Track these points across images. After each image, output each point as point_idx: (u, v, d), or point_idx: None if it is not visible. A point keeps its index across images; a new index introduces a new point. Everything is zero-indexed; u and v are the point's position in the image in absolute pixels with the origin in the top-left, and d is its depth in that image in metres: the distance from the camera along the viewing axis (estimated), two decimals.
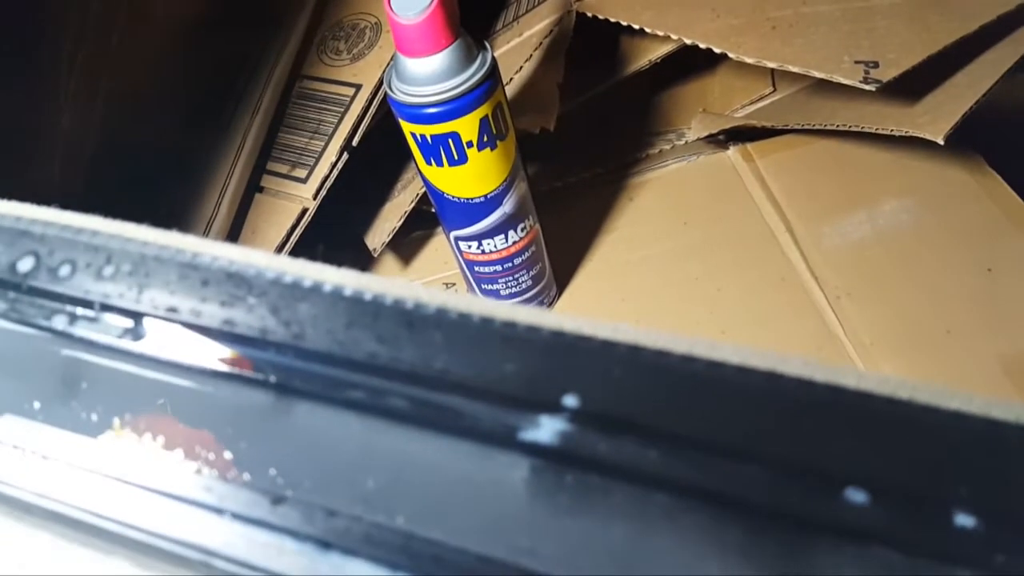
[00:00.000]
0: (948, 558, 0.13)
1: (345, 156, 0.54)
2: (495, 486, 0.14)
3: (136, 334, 0.18)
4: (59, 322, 0.18)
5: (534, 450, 0.15)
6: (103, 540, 0.16)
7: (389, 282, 0.18)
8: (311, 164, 0.54)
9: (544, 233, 0.52)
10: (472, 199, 0.47)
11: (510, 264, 0.51)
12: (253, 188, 0.55)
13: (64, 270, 0.19)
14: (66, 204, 0.23)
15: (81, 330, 0.18)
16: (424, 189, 0.51)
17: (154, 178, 0.51)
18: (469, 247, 0.50)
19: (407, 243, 0.60)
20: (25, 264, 0.19)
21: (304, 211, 0.53)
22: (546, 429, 0.15)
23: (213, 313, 0.17)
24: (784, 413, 0.15)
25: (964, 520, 0.13)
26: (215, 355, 0.17)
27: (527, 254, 0.51)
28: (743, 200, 0.55)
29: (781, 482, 0.14)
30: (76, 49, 0.50)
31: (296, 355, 0.16)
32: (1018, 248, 0.49)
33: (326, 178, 0.53)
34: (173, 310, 0.18)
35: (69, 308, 0.18)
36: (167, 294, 0.18)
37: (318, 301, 0.17)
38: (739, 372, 0.15)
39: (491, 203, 0.47)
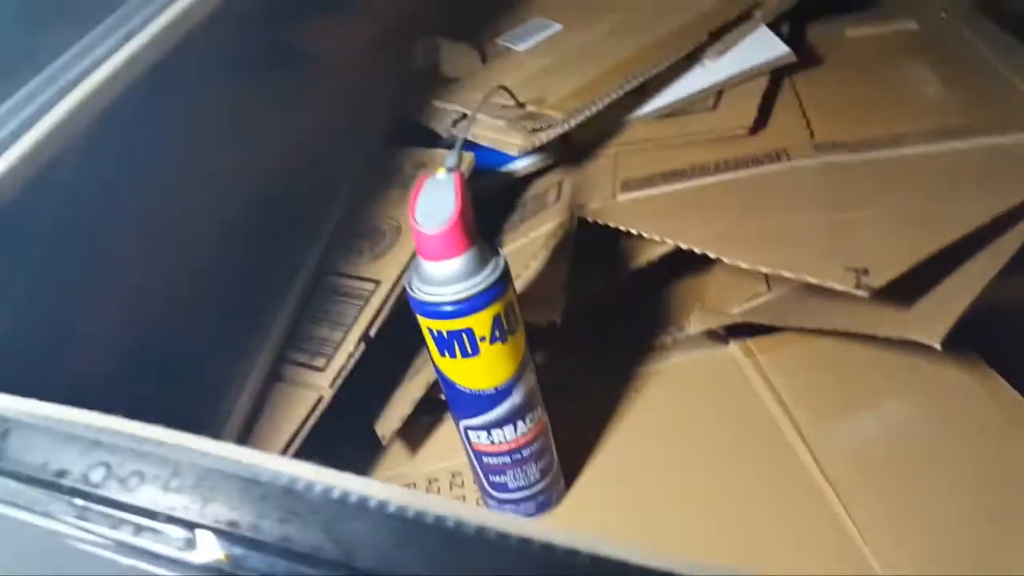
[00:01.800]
0: None
1: (363, 346, 0.56)
2: None
3: (195, 546, 0.19)
4: (125, 532, 0.19)
5: None
6: None
7: (430, 498, 0.19)
8: (329, 354, 0.56)
9: (552, 425, 0.54)
10: (483, 390, 0.49)
11: (519, 456, 0.52)
12: (273, 377, 0.57)
13: (133, 481, 0.20)
14: (99, 392, 0.25)
15: (145, 541, 0.19)
16: (434, 378, 0.53)
17: (183, 365, 0.53)
18: (479, 437, 0.51)
19: (416, 429, 0.61)
20: (96, 474, 0.21)
21: (320, 399, 0.55)
22: None
23: (271, 529, 0.18)
24: None
25: None
26: (277, 572, 0.18)
27: (536, 446, 0.52)
28: (748, 396, 0.56)
29: None
30: (114, 246, 0.54)
31: (348, 573, 0.17)
32: (1021, 445, 0.50)
33: (343, 368, 0.55)
34: (234, 524, 0.19)
35: (135, 519, 0.20)
36: (228, 508, 0.19)
37: (366, 518, 0.18)
38: None
39: (501, 394, 0.49)
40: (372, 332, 0.57)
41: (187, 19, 0.48)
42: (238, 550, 0.19)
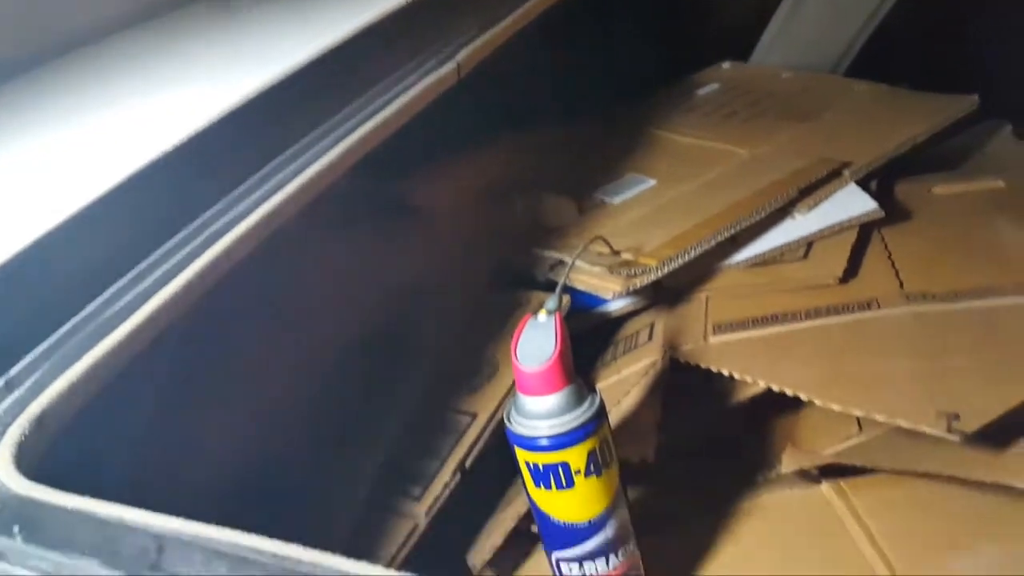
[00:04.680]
0: None
1: (458, 476, 0.58)
2: None
3: None
4: None
5: None
6: None
7: None
8: (426, 483, 0.59)
9: (644, 559, 0.54)
10: (577, 523, 0.50)
11: None
12: (372, 504, 0.59)
13: None
14: (215, 518, 0.28)
15: None
16: (526, 507, 0.54)
17: (289, 492, 0.57)
18: (570, 569, 0.52)
19: (507, 559, 0.62)
20: None
21: (415, 528, 0.57)
22: None
23: None
24: None
25: None
26: None
27: None
28: (841, 537, 0.56)
29: None
30: (232, 382, 0.59)
31: None
32: None
33: (438, 497, 0.58)
34: None
35: None
36: None
37: None
38: None
39: (594, 527, 0.50)
40: (468, 463, 0.59)
41: (322, 177, 0.54)
42: None
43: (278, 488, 0.57)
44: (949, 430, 0.49)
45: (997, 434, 0.51)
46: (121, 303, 0.40)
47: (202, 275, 0.44)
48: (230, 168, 0.52)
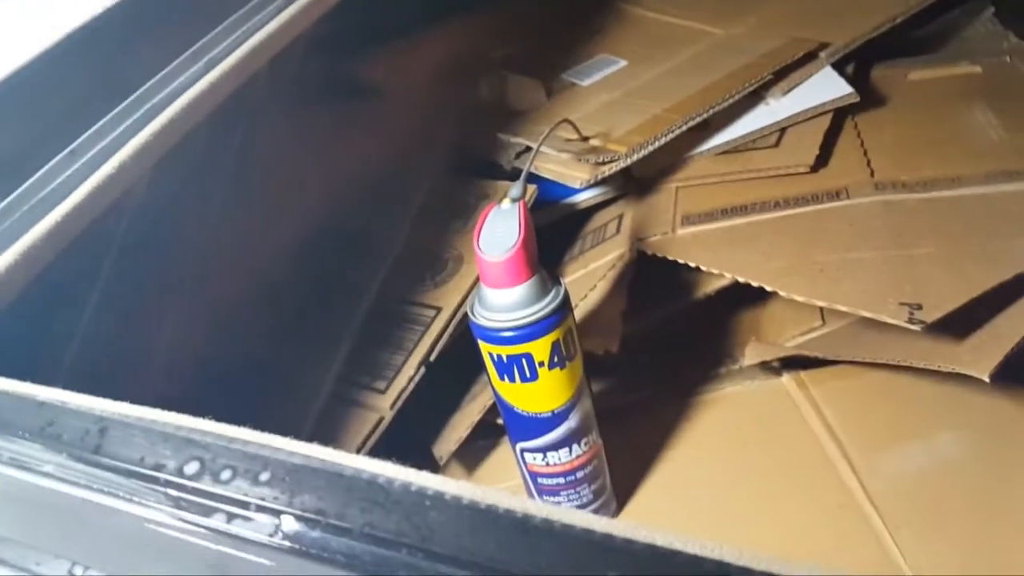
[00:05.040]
0: None
1: (423, 370, 0.58)
2: None
3: (286, 533, 0.21)
4: (217, 520, 0.22)
5: None
6: None
7: (498, 493, 0.21)
8: (391, 376, 0.58)
9: (606, 449, 0.55)
10: (540, 413, 0.50)
11: (573, 477, 0.53)
12: (335, 397, 0.59)
13: (225, 475, 0.22)
14: (171, 406, 0.27)
15: (236, 528, 0.21)
16: (492, 401, 0.55)
17: (249, 386, 0.56)
18: (534, 459, 0.53)
19: (472, 452, 0.63)
20: (191, 468, 0.23)
21: (380, 420, 0.57)
22: None
23: (355, 517, 0.20)
24: None
25: None
26: (357, 554, 0.20)
27: (589, 468, 0.53)
28: (799, 426, 0.57)
29: None
30: (182, 268, 0.57)
31: (425, 556, 0.19)
32: None
33: (403, 390, 0.57)
34: (320, 512, 0.21)
35: (227, 508, 0.22)
36: (315, 499, 0.21)
37: (444, 509, 0.20)
38: None
39: (558, 418, 0.51)
40: (432, 357, 0.59)
41: (263, 52, 0.51)
42: (323, 535, 0.20)
43: (237, 384, 0.57)
44: (910, 320, 0.49)
45: (957, 324, 0.52)
46: (57, 182, 0.38)
47: (139, 155, 0.42)
48: (168, 39, 0.48)
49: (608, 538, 0.19)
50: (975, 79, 0.75)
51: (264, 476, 0.22)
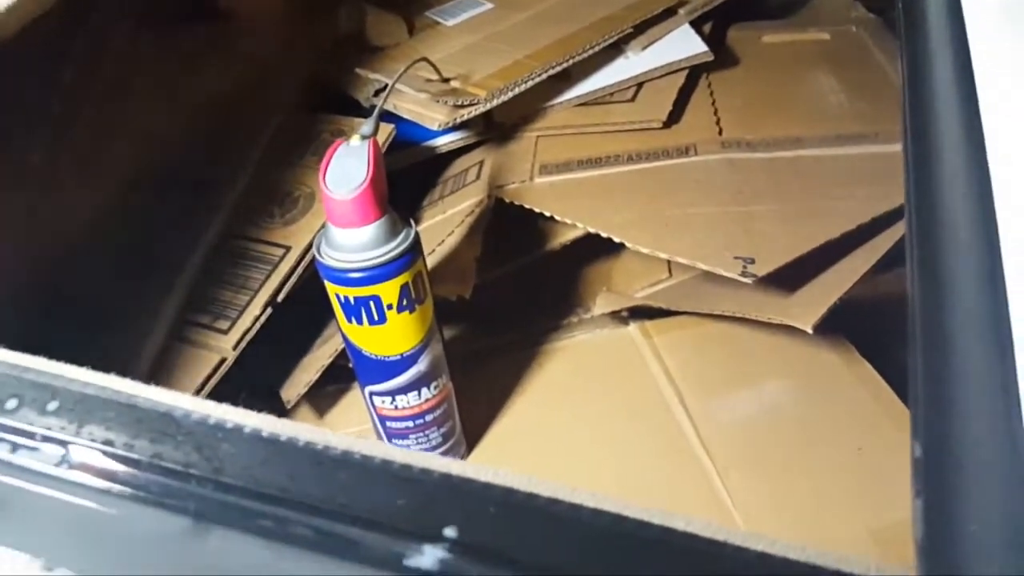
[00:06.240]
0: None
1: (269, 311, 0.57)
2: None
3: (72, 463, 0.20)
4: (2, 450, 0.20)
5: (418, 575, 0.17)
6: None
7: (302, 427, 0.21)
8: (234, 317, 0.57)
9: (457, 394, 0.56)
10: (388, 357, 0.50)
11: (422, 420, 0.53)
12: (175, 337, 0.57)
13: (11, 403, 0.21)
14: None
15: (21, 459, 0.20)
16: (342, 346, 0.54)
17: (83, 322, 0.53)
18: (383, 402, 0.53)
19: (322, 396, 0.62)
20: None
21: (222, 361, 0.55)
22: (428, 556, 0.18)
23: (144, 447, 0.20)
24: (627, 547, 0.18)
25: None
26: (143, 484, 0.19)
27: (439, 411, 0.54)
28: (641, 373, 0.60)
29: None
30: (18, 188, 0.53)
31: (215, 487, 0.19)
32: (883, 428, 0.54)
33: (247, 331, 0.56)
34: (109, 443, 0.20)
35: (12, 438, 0.21)
36: (103, 429, 0.20)
37: (238, 441, 0.20)
38: (593, 513, 0.19)
39: (406, 361, 0.51)
40: (280, 298, 0.58)
41: None
42: (111, 465, 0.20)
43: (67, 319, 0.54)
44: (743, 273, 0.52)
45: (787, 279, 0.55)
46: None
47: None
48: None
49: (406, 468, 0.19)
50: (823, 45, 0.79)
51: (52, 405, 0.21)
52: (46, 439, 0.21)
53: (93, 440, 0.20)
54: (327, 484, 0.19)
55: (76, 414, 0.21)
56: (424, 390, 0.53)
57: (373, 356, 0.51)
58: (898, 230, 0.56)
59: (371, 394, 0.53)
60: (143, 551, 0.18)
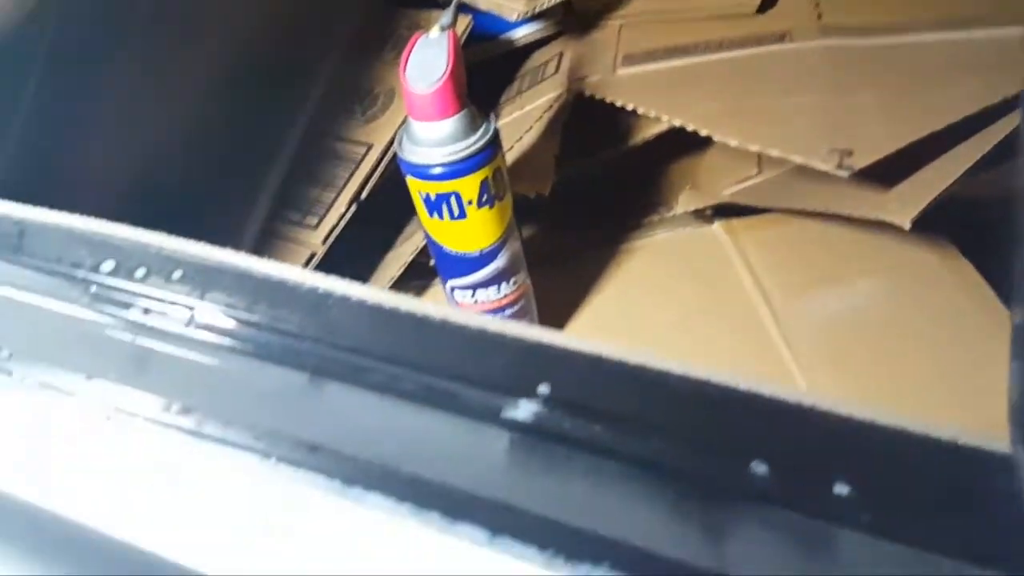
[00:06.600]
0: (826, 516, 0.18)
1: (353, 208, 0.59)
2: (483, 450, 0.19)
3: (198, 324, 0.23)
4: (134, 313, 0.23)
5: (514, 426, 0.20)
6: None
7: (403, 297, 0.23)
8: (321, 213, 0.60)
9: (536, 291, 0.58)
10: (469, 253, 0.52)
11: (501, 314, 0.56)
12: (268, 233, 0.60)
13: (140, 272, 0.24)
14: None
15: (152, 320, 0.23)
16: (424, 242, 0.56)
17: (180, 220, 0.57)
18: (464, 296, 0.55)
19: (405, 291, 0.65)
20: (107, 266, 0.24)
21: (312, 256, 0.59)
22: (523, 409, 0.20)
23: (263, 311, 0.22)
24: (711, 407, 0.20)
25: (841, 488, 0.18)
26: (264, 343, 0.22)
27: (517, 307, 0.56)
28: (725, 272, 0.60)
29: (703, 456, 0.19)
30: (110, 93, 0.56)
31: (329, 347, 0.21)
32: (982, 332, 0.54)
33: (334, 227, 0.59)
34: (230, 306, 0.23)
35: (143, 302, 0.24)
36: (225, 295, 0.23)
37: (347, 308, 0.22)
38: (678, 378, 0.20)
39: (486, 257, 0.53)
40: (363, 196, 0.60)
41: None
42: (234, 326, 0.23)
43: (163, 214, 0.57)
44: (839, 166, 0.51)
45: (885, 173, 0.54)
46: None
47: None
48: None
49: (500, 334, 0.21)
50: None
51: (177, 274, 0.24)
52: (173, 303, 0.23)
53: (216, 304, 0.23)
54: (429, 346, 0.21)
55: (199, 282, 0.23)
56: (503, 285, 0.55)
57: (454, 252, 0.53)
58: (1010, 122, 0.55)
59: (452, 288, 0.56)
60: (266, 400, 0.21)
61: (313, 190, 0.61)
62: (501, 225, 0.52)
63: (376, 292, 0.23)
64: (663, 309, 0.60)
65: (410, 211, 0.57)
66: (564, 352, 0.21)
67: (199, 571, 0.19)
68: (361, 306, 0.22)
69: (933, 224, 0.52)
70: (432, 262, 0.56)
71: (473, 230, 0.51)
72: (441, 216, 0.51)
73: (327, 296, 0.23)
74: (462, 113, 0.48)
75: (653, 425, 0.19)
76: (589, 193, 0.67)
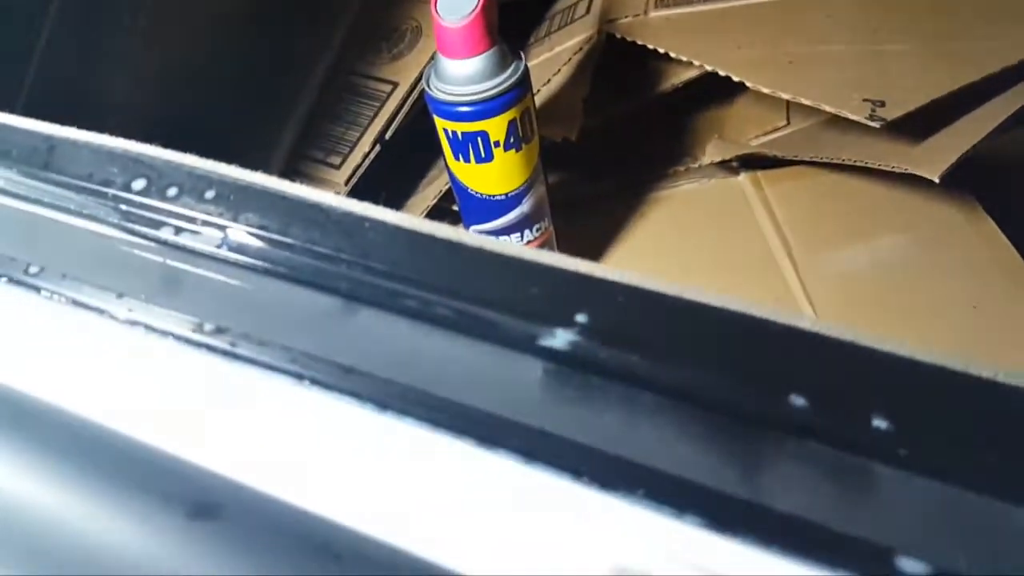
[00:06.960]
0: (864, 450, 0.17)
1: (377, 148, 0.59)
2: (519, 378, 0.19)
3: (231, 245, 0.23)
4: (166, 232, 0.23)
5: (550, 354, 0.19)
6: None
7: (438, 224, 0.23)
8: (345, 152, 0.59)
9: (558, 238, 0.57)
10: (494, 196, 0.52)
11: None
12: (290, 171, 0.60)
13: (171, 191, 0.24)
14: None
15: (184, 240, 0.23)
16: (448, 186, 0.56)
17: (201, 152, 0.56)
18: None
19: None
20: (138, 184, 0.24)
21: (336, 194, 0.58)
22: (560, 338, 0.19)
23: (296, 233, 0.22)
24: (748, 340, 0.19)
25: (879, 423, 0.18)
26: (297, 266, 0.22)
27: None
28: (749, 224, 0.60)
29: (740, 388, 0.18)
30: (136, 20, 0.55)
31: (364, 271, 0.21)
32: (1003, 288, 0.53)
33: (358, 167, 0.59)
34: (264, 228, 0.22)
35: (175, 222, 0.23)
36: (258, 216, 0.23)
37: (382, 232, 0.22)
38: (716, 311, 0.20)
39: (511, 201, 0.52)
40: (388, 135, 0.60)
41: None
42: (267, 247, 0.22)
43: (187, 145, 0.57)
44: (871, 117, 0.50)
45: (917, 126, 0.53)
46: None
47: None
48: None
49: (536, 264, 0.21)
50: None
51: (209, 194, 0.23)
52: (206, 223, 0.23)
53: (249, 225, 0.23)
54: (465, 273, 0.21)
55: (232, 203, 0.23)
56: (527, 231, 0.54)
57: (479, 194, 0.52)
58: None
59: (475, 233, 0.55)
60: (300, 323, 0.21)
61: (337, 128, 0.60)
62: (527, 168, 0.51)
63: (412, 219, 0.22)
64: (685, 260, 0.59)
65: (434, 155, 0.57)
66: (602, 283, 0.20)
67: (232, 477, 0.19)
68: (397, 231, 0.22)
69: (960, 180, 0.51)
70: (456, 206, 0.56)
71: (499, 172, 0.51)
72: (467, 158, 0.50)
73: (363, 219, 0.22)
74: (492, 50, 0.47)
75: (691, 357, 0.19)
76: (616, 139, 0.66)
